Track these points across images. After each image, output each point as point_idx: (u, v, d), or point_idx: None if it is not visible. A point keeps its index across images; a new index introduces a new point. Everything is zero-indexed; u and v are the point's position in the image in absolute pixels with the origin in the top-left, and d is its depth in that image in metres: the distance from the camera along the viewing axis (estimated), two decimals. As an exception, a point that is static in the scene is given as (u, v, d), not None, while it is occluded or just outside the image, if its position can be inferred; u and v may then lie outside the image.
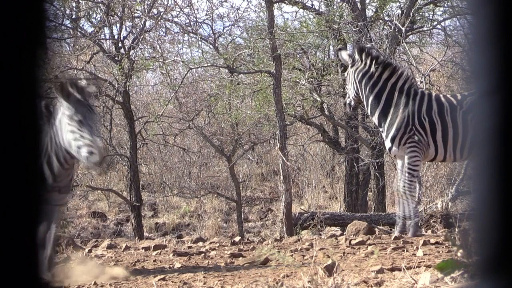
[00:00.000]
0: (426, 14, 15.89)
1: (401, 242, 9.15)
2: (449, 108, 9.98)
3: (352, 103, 10.34)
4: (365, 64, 10.14)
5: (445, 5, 15.77)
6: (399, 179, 9.98)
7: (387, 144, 10.04)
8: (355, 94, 10.24)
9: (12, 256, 1.78)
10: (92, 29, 15.38)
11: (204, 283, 6.86)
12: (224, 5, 16.30)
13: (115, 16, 14.94)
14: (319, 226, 13.02)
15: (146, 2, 14.62)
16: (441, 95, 10.33)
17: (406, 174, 9.86)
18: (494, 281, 1.86)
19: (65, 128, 6.97)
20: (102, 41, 15.20)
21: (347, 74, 10.36)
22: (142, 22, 14.72)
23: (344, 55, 10.39)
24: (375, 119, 10.19)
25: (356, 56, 10.19)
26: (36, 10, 1.81)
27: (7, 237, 1.78)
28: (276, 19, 14.40)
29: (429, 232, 10.57)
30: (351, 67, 10.23)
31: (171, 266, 8.29)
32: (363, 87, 10.13)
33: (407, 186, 9.86)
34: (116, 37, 14.99)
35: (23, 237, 1.79)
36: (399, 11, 15.24)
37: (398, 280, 5.96)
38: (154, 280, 7.12)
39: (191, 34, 15.18)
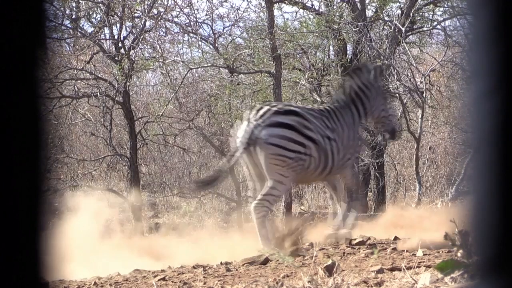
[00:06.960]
0: (426, 14, 15.89)
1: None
2: None
3: None
4: None
5: (445, 5, 15.77)
6: None
7: None
8: None
9: (12, 256, 1.78)
10: (92, 29, 15.38)
11: (204, 283, 6.85)
12: (224, 5, 16.27)
13: (115, 16, 14.93)
14: (319, 226, 13.01)
15: (146, 2, 14.62)
16: None
17: None
18: (494, 281, 1.86)
19: None
20: (102, 41, 15.20)
21: None
22: (142, 22, 14.71)
23: None
24: None
25: None
26: (36, 10, 1.81)
27: (7, 237, 1.78)
28: (276, 19, 14.41)
29: (429, 232, 10.55)
30: None
31: (171, 266, 8.29)
32: None
33: None
34: (116, 37, 14.98)
35: (24, 237, 1.79)
36: (399, 11, 15.24)
37: (398, 280, 5.95)
38: (154, 280, 7.12)
39: (191, 34, 15.17)
